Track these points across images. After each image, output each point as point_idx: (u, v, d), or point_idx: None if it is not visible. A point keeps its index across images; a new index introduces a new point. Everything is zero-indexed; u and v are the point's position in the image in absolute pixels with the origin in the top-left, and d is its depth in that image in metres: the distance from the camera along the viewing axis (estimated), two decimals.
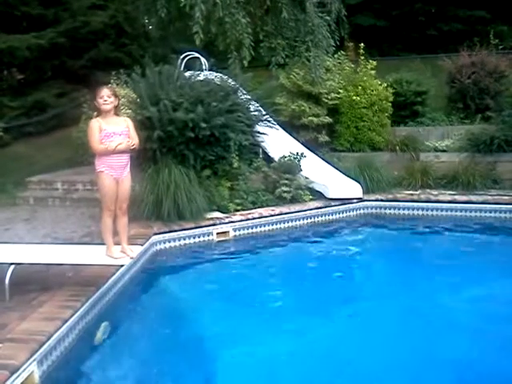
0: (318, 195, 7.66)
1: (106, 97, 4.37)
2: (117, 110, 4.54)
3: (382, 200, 7.73)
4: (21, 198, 7.97)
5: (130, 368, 3.71)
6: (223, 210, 6.88)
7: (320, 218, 7.31)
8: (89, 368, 3.66)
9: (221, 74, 8.44)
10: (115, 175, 4.43)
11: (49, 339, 3.51)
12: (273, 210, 7.07)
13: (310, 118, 9.40)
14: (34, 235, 6.10)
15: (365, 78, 9.66)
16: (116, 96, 4.50)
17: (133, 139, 4.49)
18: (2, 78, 12.45)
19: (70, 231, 6.30)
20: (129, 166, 4.57)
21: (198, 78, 7.84)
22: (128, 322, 4.41)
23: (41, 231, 6.34)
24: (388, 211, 7.66)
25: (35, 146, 10.93)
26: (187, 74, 8.16)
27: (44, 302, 4.05)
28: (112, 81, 9.27)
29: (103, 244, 4.61)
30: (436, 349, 3.86)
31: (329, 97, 9.57)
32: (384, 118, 9.63)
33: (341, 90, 9.65)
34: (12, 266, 4.18)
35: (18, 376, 3.14)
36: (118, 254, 4.51)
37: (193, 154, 6.92)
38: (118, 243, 4.63)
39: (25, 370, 3.20)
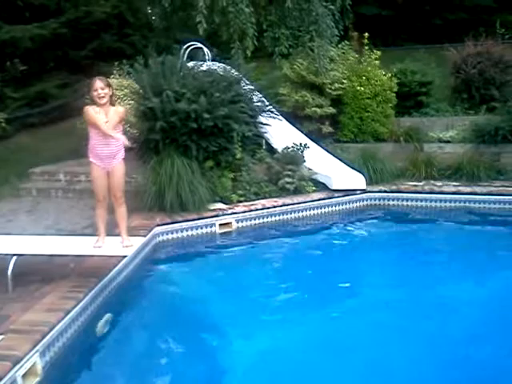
0: (321, 186, 7.62)
1: (99, 90, 4.33)
2: (112, 100, 4.49)
3: (385, 191, 7.69)
4: (23, 190, 7.96)
5: (132, 359, 3.71)
6: (226, 201, 6.87)
7: (323, 210, 7.28)
8: (91, 359, 3.68)
9: (224, 65, 8.39)
10: (103, 165, 4.43)
11: (51, 330, 3.52)
12: (276, 202, 7.05)
13: (314, 108, 9.33)
14: (37, 227, 6.10)
15: (369, 69, 9.57)
16: (109, 86, 4.44)
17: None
18: (5, 68, 12.38)
19: (73, 222, 6.30)
20: (120, 156, 4.51)
21: (201, 69, 7.80)
22: (130, 313, 4.42)
23: (43, 222, 6.35)
24: (392, 202, 7.63)
25: (38, 137, 10.92)
26: (190, 64, 8.10)
27: (46, 293, 4.06)
28: (115, 71, 9.23)
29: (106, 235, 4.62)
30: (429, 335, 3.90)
31: (332, 87, 9.48)
32: (388, 109, 9.55)
33: (345, 81, 9.56)
34: (14, 257, 4.19)
35: (21, 367, 3.15)
36: (96, 244, 4.52)
37: (195, 145, 6.89)
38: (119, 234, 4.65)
39: (27, 360, 3.21)
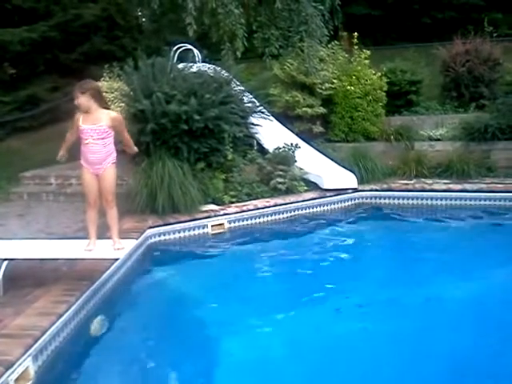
0: (312, 186, 7.65)
1: (76, 100, 4.29)
2: (102, 103, 4.42)
3: (376, 190, 7.73)
4: (14, 194, 7.93)
5: (126, 362, 3.71)
6: (218, 202, 6.87)
7: (315, 209, 7.31)
8: (84, 363, 3.67)
9: (214, 66, 8.41)
10: (92, 170, 4.44)
11: (44, 334, 3.50)
12: (268, 202, 7.07)
13: (304, 108, 9.35)
14: (28, 231, 6.07)
15: (359, 68, 9.61)
16: (88, 90, 4.31)
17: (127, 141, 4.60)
18: None
19: (64, 226, 6.27)
20: (110, 160, 4.49)
21: (191, 70, 7.81)
22: (123, 316, 4.41)
23: (35, 226, 6.32)
24: (383, 201, 7.67)
25: (28, 140, 10.87)
26: (180, 65, 8.12)
27: (38, 297, 4.03)
28: (105, 74, 9.22)
29: (97, 238, 4.61)
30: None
31: (323, 87, 9.50)
32: (378, 108, 9.59)
33: (335, 80, 9.59)
34: (5, 262, 4.17)
35: (13, 371, 3.12)
36: (87, 247, 4.49)
37: (186, 146, 6.89)
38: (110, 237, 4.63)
39: (20, 365, 3.19)
